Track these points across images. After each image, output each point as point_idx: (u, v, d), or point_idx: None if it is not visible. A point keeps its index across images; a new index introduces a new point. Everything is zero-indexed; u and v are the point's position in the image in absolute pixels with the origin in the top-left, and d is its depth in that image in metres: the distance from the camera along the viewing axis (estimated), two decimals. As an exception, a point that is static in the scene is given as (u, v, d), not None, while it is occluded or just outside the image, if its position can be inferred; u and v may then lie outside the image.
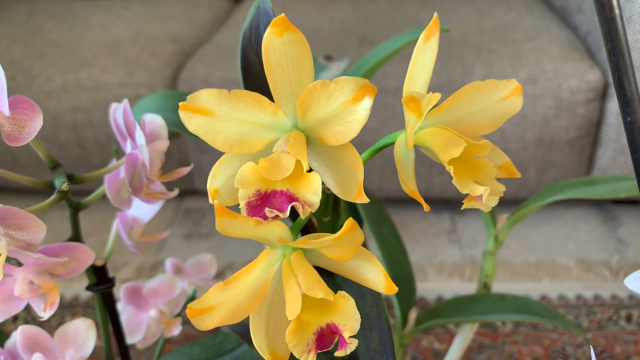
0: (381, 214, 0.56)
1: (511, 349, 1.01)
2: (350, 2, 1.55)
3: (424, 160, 1.22)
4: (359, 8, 1.50)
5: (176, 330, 0.47)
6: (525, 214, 0.53)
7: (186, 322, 1.11)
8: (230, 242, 1.28)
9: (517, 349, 1.01)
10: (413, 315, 0.52)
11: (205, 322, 0.26)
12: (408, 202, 1.37)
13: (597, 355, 0.98)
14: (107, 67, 1.29)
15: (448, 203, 1.39)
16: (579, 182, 0.53)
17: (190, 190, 1.41)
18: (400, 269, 0.54)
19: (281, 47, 0.26)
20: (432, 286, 1.16)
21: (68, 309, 1.13)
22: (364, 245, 0.29)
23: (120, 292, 0.46)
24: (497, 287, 1.13)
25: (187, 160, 1.33)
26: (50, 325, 1.07)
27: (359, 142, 0.27)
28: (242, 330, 0.45)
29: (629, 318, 1.06)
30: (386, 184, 1.29)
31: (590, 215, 1.34)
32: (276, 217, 0.25)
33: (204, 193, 1.43)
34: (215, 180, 0.27)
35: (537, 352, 1.00)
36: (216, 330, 1.12)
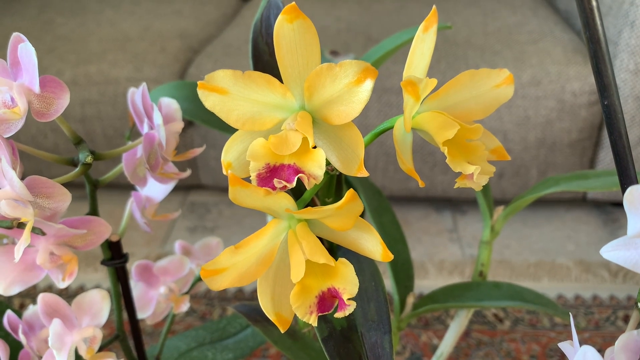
0: (382, 203, 0.58)
1: (509, 347, 1.02)
2: (356, 2, 1.57)
3: (427, 160, 1.24)
4: (365, 8, 1.52)
5: (184, 306, 0.49)
6: (520, 205, 0.55)
7: (189, 313, 1.13)
8: (234, 236, 1.31)
9: (515, 346, 1.02)
10: (410, 300, 0.54)
11: (218, 283, 0.28)
12: (410, 200, 1.39)
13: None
14: (116, 62, 1.32)
15: (450, 202, 1.41)
16: (573, 176, 0.55)
17: (196, 185, 1.44)
18: (399, 256, 0.56)
19: (291, 34, 0.28)
20: (432, 284, 1.18)
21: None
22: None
23: (132, 269, 0.49)
24: (496, 285, 1.15)
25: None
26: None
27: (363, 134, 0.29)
28: (247, 311, 0.48)
29: (626, 319, 1.07)
30: (389, 182, 1.31)
31: (590, 217, 1.35)
32: (284, 187, 0.27)
33: (209, 188, 1.45)
34: (229, 154, 0.30)
35: (534, 350, 1.02)
36: (221, 314, 1.13)
